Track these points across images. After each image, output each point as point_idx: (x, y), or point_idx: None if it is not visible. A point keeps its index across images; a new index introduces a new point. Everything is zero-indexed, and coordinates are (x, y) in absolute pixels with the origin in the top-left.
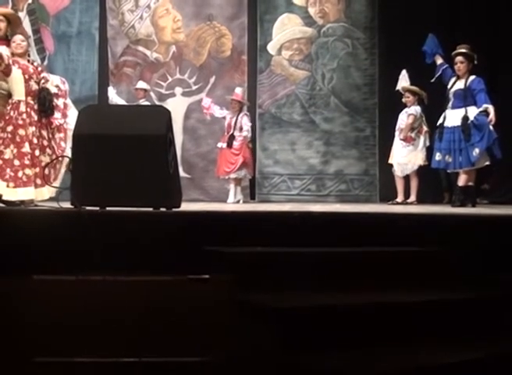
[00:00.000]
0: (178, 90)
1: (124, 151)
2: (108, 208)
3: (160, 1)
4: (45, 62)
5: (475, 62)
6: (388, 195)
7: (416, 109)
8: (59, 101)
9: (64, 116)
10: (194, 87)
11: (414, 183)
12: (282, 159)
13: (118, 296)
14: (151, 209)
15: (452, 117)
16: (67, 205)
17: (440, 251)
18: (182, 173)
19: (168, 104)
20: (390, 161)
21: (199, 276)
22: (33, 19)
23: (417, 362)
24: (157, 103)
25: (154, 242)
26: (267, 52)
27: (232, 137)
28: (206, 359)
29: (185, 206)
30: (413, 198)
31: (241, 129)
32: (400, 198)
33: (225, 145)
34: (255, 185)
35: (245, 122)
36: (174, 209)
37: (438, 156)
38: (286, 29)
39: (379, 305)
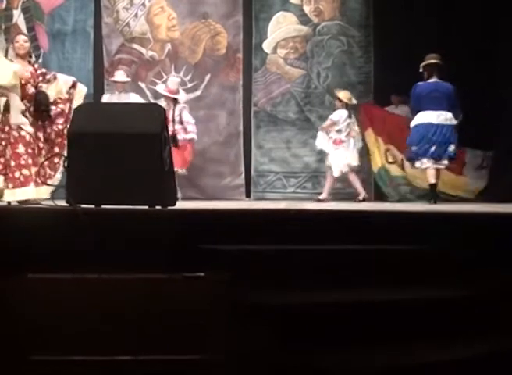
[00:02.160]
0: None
1: (119, 149)
2: (103, 207)
3: None
4: (40, 60)
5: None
6: (383, 193)
7: (340, 114)
8: (65, 106)
9: (67, 121)
10: (189, 85)
11: (355, 181)
12: (277, 157)
13: (113, 294)
14: (146, 207)
15: (428, 116)
16: (62, 203)
17: (436, 250)
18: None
19: (164, 102)
20: (327, 163)
21: (194, 274)
22: (27, 16)
23: (413, 359)
24: (152, 101)
25: (149, 240)
26: (262, 51)
27: (174, 133)
28: (201, 357)
29: (180, 204)
30: (363, 193)
31: (181, 122)
32: (323, 196)
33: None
34: (250, 183)
35: (187, 119)
36: (169, 207)
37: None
38: (281, 27)
39: (375, 303)
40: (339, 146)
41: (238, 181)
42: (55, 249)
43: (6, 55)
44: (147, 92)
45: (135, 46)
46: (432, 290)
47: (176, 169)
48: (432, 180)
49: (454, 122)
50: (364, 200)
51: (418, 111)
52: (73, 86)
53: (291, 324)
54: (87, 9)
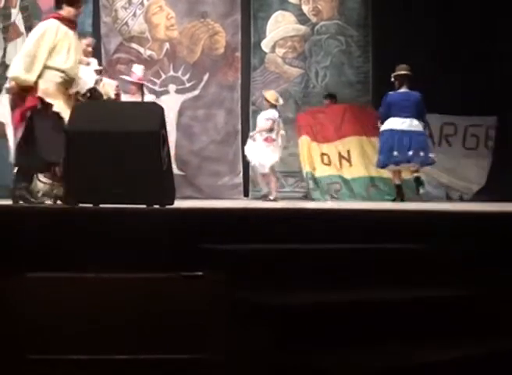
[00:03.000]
0: (171, 87)
1: (117, 147)
2: (101, 205)
3: None
4: None
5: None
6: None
7: (273, 113)
8: None
9: None
10: (188, 85)
11: (273, 181)
12: None
13: (111, 293)
14: (144, 206)
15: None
16: (60, 201)
17: (435, 249)
18: (175, 170)
19: (162, 101)
20: (252, 162)
21: (192, 273)
22: (26, 15)
23: (413, 360)
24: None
25: (147, 239)
26: (261, 50)
27: None
28: (200, 357)
29: (178, 203)
30: (274, 194)
31: None
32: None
33: None
34: (249, 182)
35: None
36: (167, 206)
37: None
38: (279, 26)
39: (375, 303)
40: (271, 144)
41: (236, 180)
42: (52, 248)
43: (4, 55)
44: (146, 91)
45: (133, 45)
46: (432, 289)
47: None
48: (397, 182)
49: (421, 128)
50: (274, 200)
51: (387, 117)
52: (117, 88)
53: (291, 324)
54: (85, 9)
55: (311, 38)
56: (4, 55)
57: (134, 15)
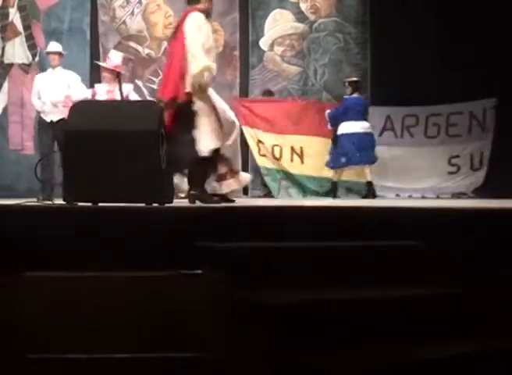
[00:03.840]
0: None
1: (116, 146)
2: (100, 204)
3: None
4: (36, 59)
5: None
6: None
7: None
8: None
9: None
10: None
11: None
12: None
13: (110, 292)
14: (143, 205)
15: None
16: (59, 201)
17: (433, 246)
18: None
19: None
20: None
21: (192, 272)
22: (24, 15)
23: (413, 358)
24: (149, 98)
25: (146, 238)
26: (259, 48)
27: None
28: (199, 355)
29: (177, 202)
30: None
31: None
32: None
33: None
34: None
35: (136, 99)
36: (166, 205)
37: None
38: (277, 25)
39: (375, 302)
40: None
41: None
42: (51, 247)
43: (2, 54)
44: (144, 90)
45: (131, 44)
46: (431, 287)
47: None
48: (335, 179)
49: (371, 130)
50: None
51: (342, 121)
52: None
53: (290, 323)
54: (83, 8)
55: (309, 36)
56: (2, 55)
57: (132, 13)
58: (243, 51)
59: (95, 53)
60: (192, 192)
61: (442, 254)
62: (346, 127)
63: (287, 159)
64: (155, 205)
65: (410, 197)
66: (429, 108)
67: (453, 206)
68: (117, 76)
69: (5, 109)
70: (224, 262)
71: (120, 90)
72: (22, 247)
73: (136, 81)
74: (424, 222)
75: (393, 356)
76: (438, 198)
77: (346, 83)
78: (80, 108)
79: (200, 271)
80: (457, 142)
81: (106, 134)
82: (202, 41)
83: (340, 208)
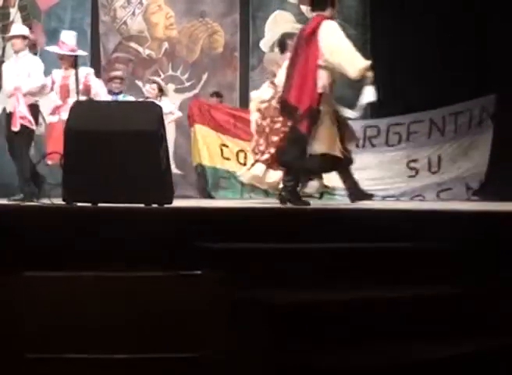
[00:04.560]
0: (170, 86)
1: (116, 146)
2: (99, 205)
3: None
4: None
5: None
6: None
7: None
8: None
9: None
10: (187, 84)
11: None
12: None
13: (109, 292)
14: (142, 205)
15: None
16: (59, 201)
17: (434, 248)
18: (174, 170)
19: (161, 100)
20: None
21: (191, 272)
22: (24, 15)
23: (408, 357)
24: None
25: (146, 238)
26: (259, 49)
27: None
28: (198, 355)
29: (177, 202)
30: None
31: (88, 91)
32: None
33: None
34: None
35: (96, 86)
36: (166, 205)
37: None
38: (278, 26)
39: (374, 302)
40: None
41: None
42: (50, 247)
43: (3, 54)
44: (145, 90)
45: (132, 44)
46: (431, 288)
47: None
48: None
49: None
50: None
51: None
52: None
53: (290, 323)
54: (83, 8)
55: None
56: (2, 54)
57: (133, 14)
58: (243, 52)
59: (96, 53)
60: (283, 193)
61: (442, 255)
62: None
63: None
64: (155, 205)
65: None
66: (390, 119)
67: (451, 209)
68: (74, 60)
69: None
70: (224, 263)
71: (76, 75)
72: (21, 247)
73: (137, 82)
74: (421, 224)
75: (393, 356)
76: (397, 200)
77: None
78: (80, 108)
79: (199, 272)
80: (417, 147)
81: (106, 135)
82: (349, 44)
83: (340, 209)
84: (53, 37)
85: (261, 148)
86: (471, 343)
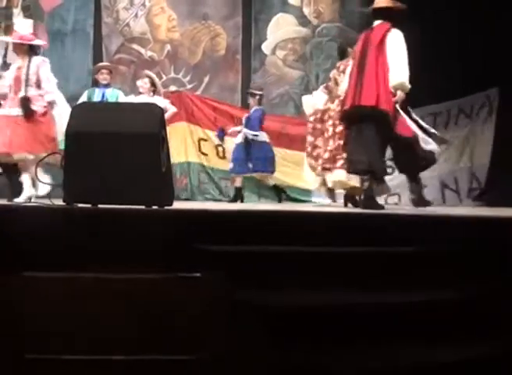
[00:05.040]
0: (172, 88)
1: (117, 148)
2: (99, 206)
3: (155, 0)
4: None
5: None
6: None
7: None
8: None
9: None
10: (189, 86)
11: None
12: None
13: (108, 294)
14: (143, 207)
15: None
16: (59, 202)
17: (429, 252)
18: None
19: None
20: None
21: (190, 275)
22: (27, 15)
23: (406, 361)
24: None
25: (145, 240)
26: (261, 52)
27: (26, 100)
28: (196, 357)
29: (177, 204)
30: None
31: (38, 85)
32: None
33: (15, 112)
34: None
35: (45, 74)
36: (166, 207)
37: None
38: (280, 29)
39: (370, 304)
40: None
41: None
42: (50, 248)
43: (6, 54)
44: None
45: (134, 46)
46: (429, 292)
47: (25, 155)
48: (238, 184)
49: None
50: None
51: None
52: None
53: (290, 324)
54: (86, 9)
55: (312, 41)
56: (5, 55)
57: (136, 16)
58: (245, 54)
59: (98, 55)
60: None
61: (445, 260)
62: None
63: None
64: (155, 207)
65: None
66: None
67: (451, 214)
68: (28, 50)
69: None
70: (223, 265)
71: (28, 68)
72: (21, 247)
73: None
74: (422, 228)
75: (391, 359)
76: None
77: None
78: (81, 110)
79: (198, 274)
80: None
81: (107, 136)
82: (405, 56)
83: (341, 213)
84: (56, 38)
85: (326, 155)
86: (471, 347)
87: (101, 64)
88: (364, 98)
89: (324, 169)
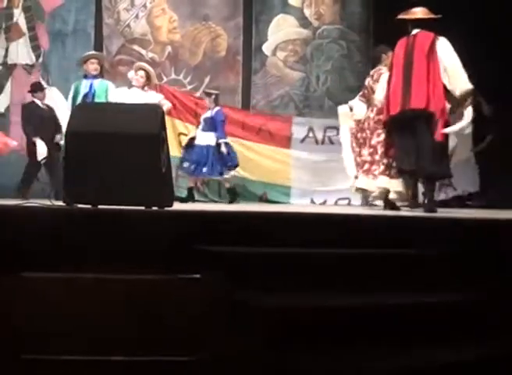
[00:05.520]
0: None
1: (117, 149)
2: (100, 207)
3: (156, 1)
4: (40, 60)
5: None
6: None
7: None
8: None
9: None
10: (189, 87)
11: None
12: None
13: (108, 294)
14: (142, 208)
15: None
16: (59, 202)
17: (428, 254)
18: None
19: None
20: None
21: (190, 276)
22: (28, 16)
23: (406, 363)
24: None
25: (145, 241)
26: (262, 53)
27: None
28: (196, 358)
29: (177, 205)
30: None
31: None
32: None
33: None
34: None
35: None
36: (166, 208)
37: (185, 164)
38: (281, 30)
39: (370, 306)
40: None
41: None
42: (50, 248)
43: (6, 55)
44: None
45: (135, 47)
46: (428, 293)
47: None
48: (191, 184)
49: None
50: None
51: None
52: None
53: (289, 326)
54: (87, 10)
55: (313, 42)
56: (6, 55)
57: (137, 17)
58: (245, 55)
59: None
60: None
61: (445, 261)
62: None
63: None
64: (155, 208)
65: (325, 201)
66: None
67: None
68: None
69: (8, 109)
70: (223, 266)
71: None
72: (21, 247)
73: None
74: (422, 230)
75: (389, 360)
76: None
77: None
78: (82, 110)
79: (198, 275)
80: None
81: (107, 137)
82: (460, 64)
83: (340, 215)
84: (56, 38)
85: (370, 164)
86: (470, 348)
87: (89, 53)
88: (414, 102)
89: (369, 174)
